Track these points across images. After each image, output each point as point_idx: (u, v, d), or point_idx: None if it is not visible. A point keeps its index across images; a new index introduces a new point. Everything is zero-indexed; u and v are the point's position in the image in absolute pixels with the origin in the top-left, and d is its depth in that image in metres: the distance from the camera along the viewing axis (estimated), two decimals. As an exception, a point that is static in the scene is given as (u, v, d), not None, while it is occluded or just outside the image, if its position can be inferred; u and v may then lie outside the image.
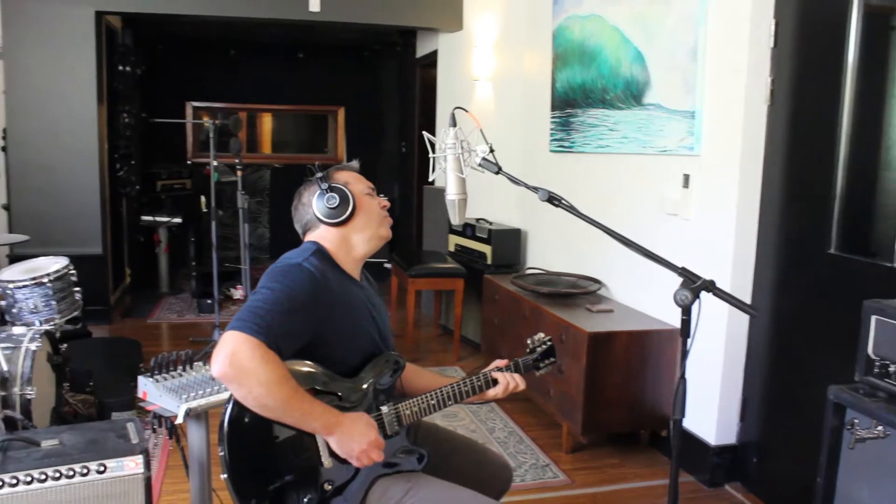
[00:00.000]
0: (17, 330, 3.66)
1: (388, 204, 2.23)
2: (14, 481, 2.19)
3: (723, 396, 3.59)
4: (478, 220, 5.78)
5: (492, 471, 2.31)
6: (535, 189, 2.03)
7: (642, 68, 4.02)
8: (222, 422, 1.87)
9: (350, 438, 1.89)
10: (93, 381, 4.33)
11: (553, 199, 2.01)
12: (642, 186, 4.12)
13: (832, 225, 3.07)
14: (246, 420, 1.87)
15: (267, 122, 10.10)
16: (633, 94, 4.11)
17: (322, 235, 2.12)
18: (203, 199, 6.56)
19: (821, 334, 3.18)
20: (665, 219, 3.91)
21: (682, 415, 2.00)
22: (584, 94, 4.61)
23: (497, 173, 2.08)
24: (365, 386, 2.04)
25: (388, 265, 6.29)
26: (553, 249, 5.18)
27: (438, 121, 7.20)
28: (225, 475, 1.86)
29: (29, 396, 3.42)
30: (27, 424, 3.39)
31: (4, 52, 6.12)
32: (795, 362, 3.33)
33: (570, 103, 4.80)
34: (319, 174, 2.11)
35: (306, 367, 1.95)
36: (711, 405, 3.62)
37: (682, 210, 3.77)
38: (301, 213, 2.17)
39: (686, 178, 3.72)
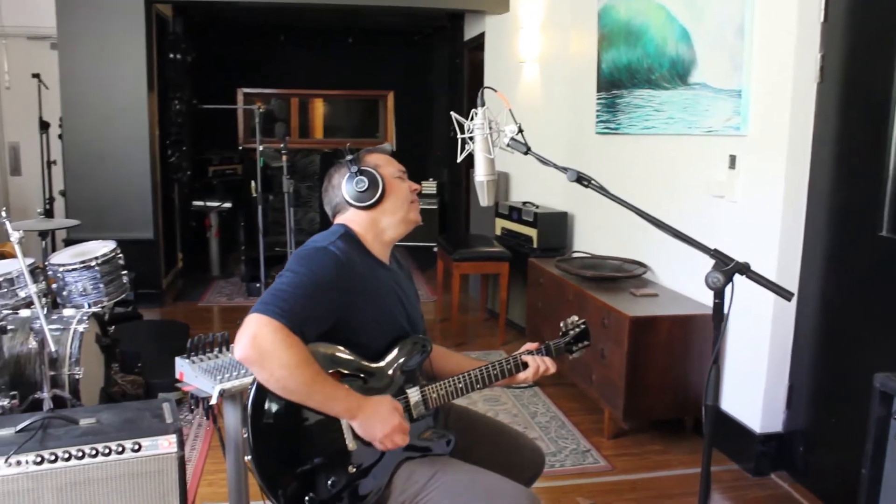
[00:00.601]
0: (67, 312, 3.76)
1: (418, 188, 2.21)
2: (53, 457, 2.24)
3: (768, 383, 3.50)
4: (524, 203, 5.74)
5: (523, 456, 2.28)
6: (563, 169, 1.99)
7: (688, 47, 3.92)
8: (246, 404, 1.88)
9: (373, 423, 1.88)
10: (141, 363, 4.42)
11: (582, 180, 1.97)
12: (688, 168, 4.03)
13: (884, 207, 2.95)
14: (269, 403, 1.87)
15: (318, 108, 10.17)
16: (678, 74, 4.01)
17: (351, 218, 2.12)
18: (253, 184, 6.64)
19: (871, 320, 3.07)
20: (711, 201, 3.82)
21: (716, 401, 1.94)
22: (630, 74, 4.53)
23: (526, 153, 2.04)
24: (391, 371, 2.02)
25: (436, 249, 6.29)
26: (600, 233, 5.11)
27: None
28: (249, 457, 1.86)
29: (77, 376, 3.50)
30: (75, 403, 3.47)
31: (59, 43, 6.26)
32: (844, 349, 3.23)
33: (615, 84, 4.72)
34: (349, 157, 2.10)
35: (331, 349, 1.95)
36: (756, 392, 3.53)
37: (728, 192, 3.67)
38: (331, 196, 2.16)
39: (732, 159, 3.63)
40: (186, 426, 3.94)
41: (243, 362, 1.78)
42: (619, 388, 3.71)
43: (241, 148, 9.10)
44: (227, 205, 7.75)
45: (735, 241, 3.59)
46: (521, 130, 2.05)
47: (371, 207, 2.09)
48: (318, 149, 9.71)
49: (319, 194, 9.35)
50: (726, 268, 1.83)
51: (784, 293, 1.84)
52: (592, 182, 1.98)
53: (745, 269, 1.84)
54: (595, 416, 4.12)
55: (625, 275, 4.36)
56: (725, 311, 1.87)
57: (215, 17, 8.57)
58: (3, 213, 3.35)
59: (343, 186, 2.10)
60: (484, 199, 2.11)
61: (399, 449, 1.97)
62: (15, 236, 3.25)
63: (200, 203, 7.77)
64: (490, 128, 2.07)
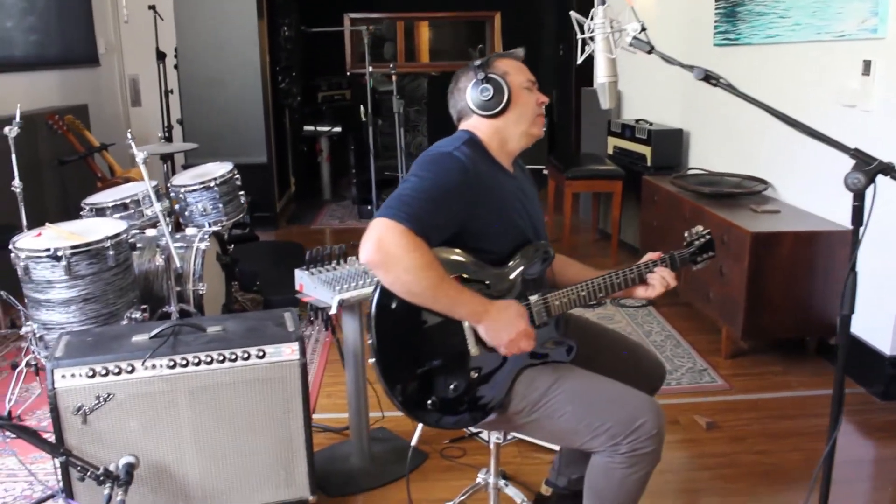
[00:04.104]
0: (189, 231, 3.90)
1: (546, 100, 2.12)
2: (184, 362, 2.35)
3: (901, 302, 3.32)
4: (637, 120, 5.57)
5: (644, 367, 2.24)
6: (690, 68, 1.89)
7: (820, -56, 3.66)
8: (369, 309, 1.89)
9: (499, 327, 1.87)
10: (259, 281, 4.57)
11: (710, 78, 1.87)
12: (816, 77, 3.79)
13: None
14: (393, 306, 1.87)
15: (424, 31, 10.07)
16: (808, -25, 3.76)
17: (475, 125, 2.07)
18: (362, 108, 6.66)
19: None
20: (841, 111, 3.59)
21: (851, 310, 1.85)
22: (753, -22, 4.27)
23: (649, 52, 1.94)
24: (513, 276, 2.00)
25: (545, 172, 6.20)
26: (716, 150, 4.91)
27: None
28: (373, 360, 1.89)
29: (200, 292, 3.65)
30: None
31: (172, -27, 6.38)
32: None
33: (737, -10, 4.47)
34: (478, 61, 2.04)
35: (454, 254, 1.93)
36: (887, 312, 3.35)
37: (861, 101, 3.45)
38: (456, 99, 2.11)
39: (867, 64, 3.39)
40: (305, 340, 4.06)
41: (368, 265, 1.78)
42: (738, 306, 3.60)
43: (349, 73, 9.14)
44: (338, 129, 7.83)
45: (868, 151, 3.37)
46: (644, 29, 1.95)
47: (495, 116, 2.03)
48: (424, 72, 9.64)
49: (427, 118, 9.38)
50: (868, 167, 1.72)
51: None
52: (721, 80, 1.88)
53: (889, 170, 1.72)
54: (711, 336, 4.03)
55: (744, 191, 4.19)
56: (866, 215, 1.76)
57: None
58: (129, 135, 3.46)
59: (468, 92, 2.04)
60: (605, 101, 2.02)
61: (521, 355, 1.96)
62: (140, 157, 3.36)
63: (311, 128, 7.88)
64: (611, 27, 1.97)
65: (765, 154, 4.30)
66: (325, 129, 7.80)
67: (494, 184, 1.98)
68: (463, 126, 2.09)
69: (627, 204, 5.51)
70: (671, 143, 5.25)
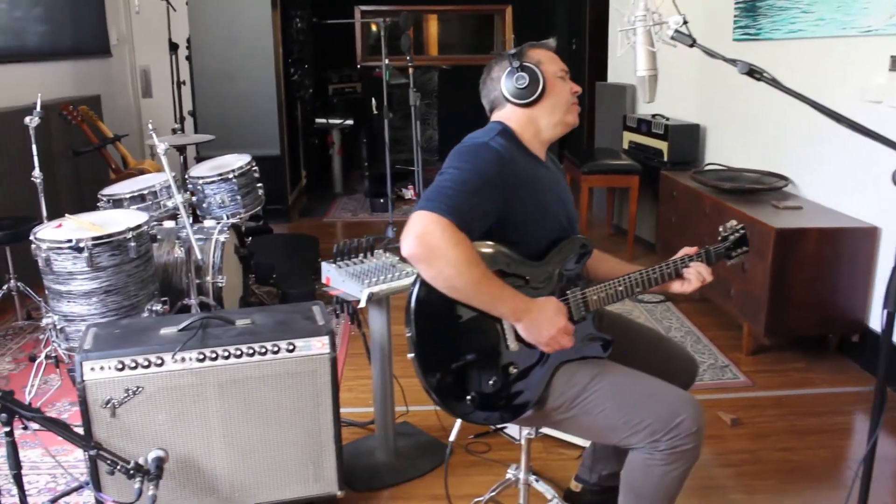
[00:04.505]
0: (207, 223, 3.88)
1: (579, 89, 2.11)
2: (214, 355, 2.33)
3: (927, 299, 3.30)
4: (654, 115, 5.53)
5: (677, 363, 2.23)
6: (733, 62, 1.87)
7: (846, -62, 3.63)
8: (408, 302, 1.87)
9: (538, 325, 1.85)
10: (275, 274, 4.55)
11: (754, 73, 1.84)
12: (840, 73, 3.76)
13: None
14: (432, 300, 1.85)
15: (433, 24, 10.04)
16: (834, -31, 3.73)
17: (508, 115, 2.05)
18: (374, 101, 6.63)
19: None
20: (866, 108, 3.56)
21: (895, 308, 1.83)
22: (776, -28, 4.24)
23: (691, 46, 1.92)
24: (551, 269, 1.98)
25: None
26: (734, 145, 4.88)
27: (611, 15, 6.85)
28: (412, 355, 1.87)
29: (220, 284, 3.63)
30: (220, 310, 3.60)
31: (185, -36, 6.35)
32: None
33: (758, -15, 4.44)
34: (512, 50, 2.02)
35: (492, 248, 1.91)
36: (914, 308, 3.33)
37: (887, 96, 3.42)
38: (489, 89, 2.09)
39: (894, 60, 3.36)
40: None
41: (410, 259, 1.75)
42: (761, 303, 3.58)
43: (359, 66, 9.11)
44: (350, 122, 7.80)
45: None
46: (686, 21, 1.93)
47: (529, 105, 2.01)
48: (435, 66, 9.61)
49: (438, 111, 9.35)
50: (918, 164, 1.69)
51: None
52: (765, 75, 1.85)
53: (938, 166, 1.70)
54: (731, 333, 4.01)
55: (765, 187, 4.16)
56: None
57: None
58: (151, 126, 3.44)
59: (503, 81, 2.02)
60: (645, 94, 2.01)
61: (560, 351, 1.94)
62: (161, 148, 3.34)
63: (323, 121, 7.85)
64: (652, 20, 1.95)
65: (784, 150, 4.27)
66: (338, 121, 7.77)
67: (531, 174, 1.96)
68: (495, 117, 2.07)
69: (642, 199, 5.48)
70: (688, 139, 5.22)
